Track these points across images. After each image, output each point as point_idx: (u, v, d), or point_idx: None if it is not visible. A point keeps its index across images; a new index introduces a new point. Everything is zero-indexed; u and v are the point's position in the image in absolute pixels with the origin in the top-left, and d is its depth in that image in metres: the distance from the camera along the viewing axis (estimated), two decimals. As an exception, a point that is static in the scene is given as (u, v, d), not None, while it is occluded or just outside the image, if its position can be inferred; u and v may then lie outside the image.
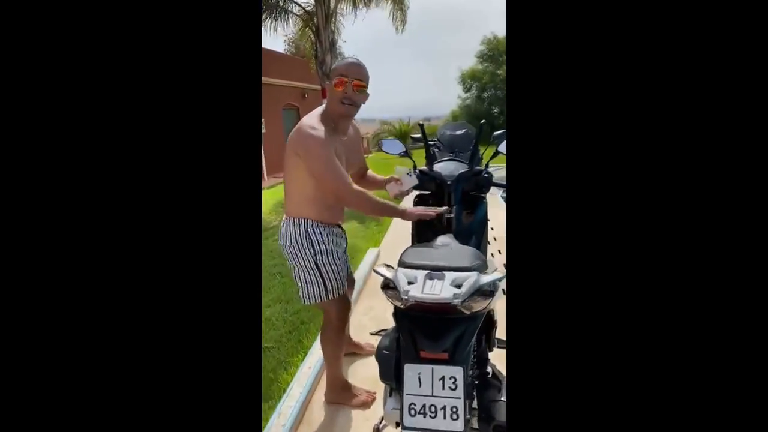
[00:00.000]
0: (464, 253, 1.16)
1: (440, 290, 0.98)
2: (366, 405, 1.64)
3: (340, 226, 1.58)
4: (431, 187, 1.66)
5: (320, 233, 1.46)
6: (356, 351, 2.00)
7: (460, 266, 1.06)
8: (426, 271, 1.04)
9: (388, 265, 1.18)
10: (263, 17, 7.18)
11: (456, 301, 0.94)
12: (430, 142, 1.79)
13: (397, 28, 7.80)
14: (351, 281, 1.75)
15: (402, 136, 17.54)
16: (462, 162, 1.73)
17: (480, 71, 17.67)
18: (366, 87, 1.44)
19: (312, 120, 1.40)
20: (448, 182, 1.60)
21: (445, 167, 1.67)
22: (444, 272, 1.04)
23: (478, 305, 1.00)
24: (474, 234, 1.66)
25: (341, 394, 1.67)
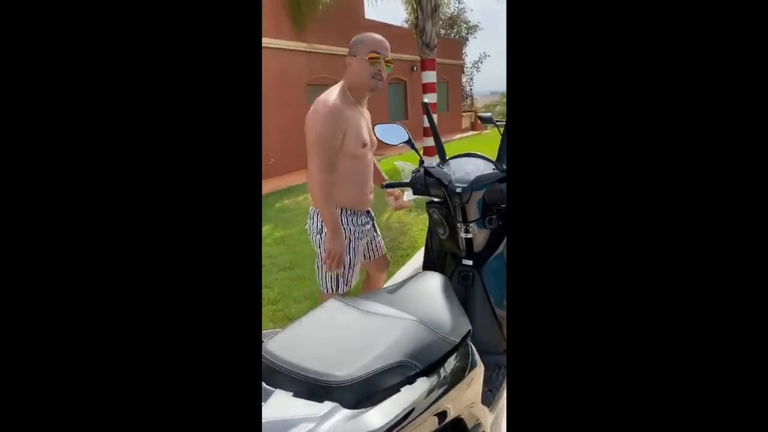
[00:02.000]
0: (381, 338, 0.65)
1: None
2: None
3: (366, 212, 1.50)
4: (440, 193, 1.16)
5: (343, 222, 1.42)
6: None
7: (326, 379, 0.56)
8: (270, 392, 0.57)
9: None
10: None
11: None
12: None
13: None
14: (385, 262, 1.68)
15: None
16: (486, 159, 1.15)
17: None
18: (391, 63, 1.43)
19: (329, 97, 1.35)
20: (458, 190, 1.06)
21: (460, 166, 1.15)
22: (279, 394, 0.56)
23: None
24: (502, 268, 1.10)
25: None
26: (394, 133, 1.31)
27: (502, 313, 1.14)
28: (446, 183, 1.09)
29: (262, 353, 0.63)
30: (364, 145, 1.38)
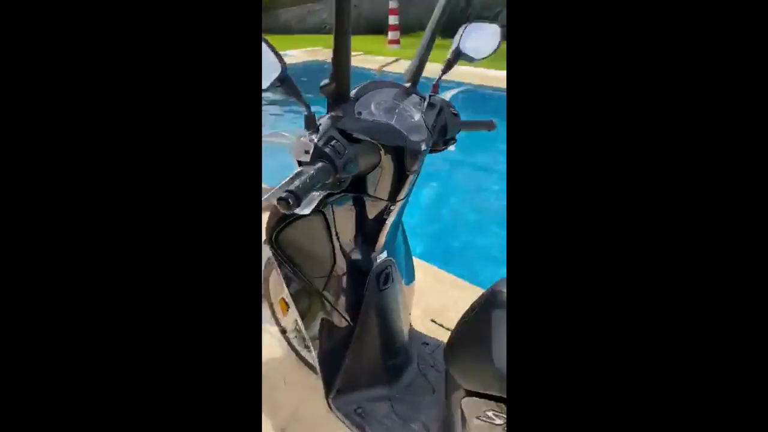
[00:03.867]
0: None
1: None
2: None
3: None
4: (370, 164, 0.69)
5: None
6: None
7: None
8: None
9: None
10: None
11: None
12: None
13: None
14: None
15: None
16: (399, 86, 0.76)
17: None
18: None
19: None
20: (422, 147, 0.68)
21: (387, 108, 0.71)
22: None
23: None
24: (400, 243, 0.89)
25: None
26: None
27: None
28: (400, 143, 0.66)
29: None
30: None
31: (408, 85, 0.77)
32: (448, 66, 0.78)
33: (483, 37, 0.78)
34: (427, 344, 1.10)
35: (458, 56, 0.77)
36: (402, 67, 5.91)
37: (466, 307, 0.65)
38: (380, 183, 0.71)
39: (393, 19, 7.28)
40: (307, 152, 0.59)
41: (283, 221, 0.80)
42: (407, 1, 7.68)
